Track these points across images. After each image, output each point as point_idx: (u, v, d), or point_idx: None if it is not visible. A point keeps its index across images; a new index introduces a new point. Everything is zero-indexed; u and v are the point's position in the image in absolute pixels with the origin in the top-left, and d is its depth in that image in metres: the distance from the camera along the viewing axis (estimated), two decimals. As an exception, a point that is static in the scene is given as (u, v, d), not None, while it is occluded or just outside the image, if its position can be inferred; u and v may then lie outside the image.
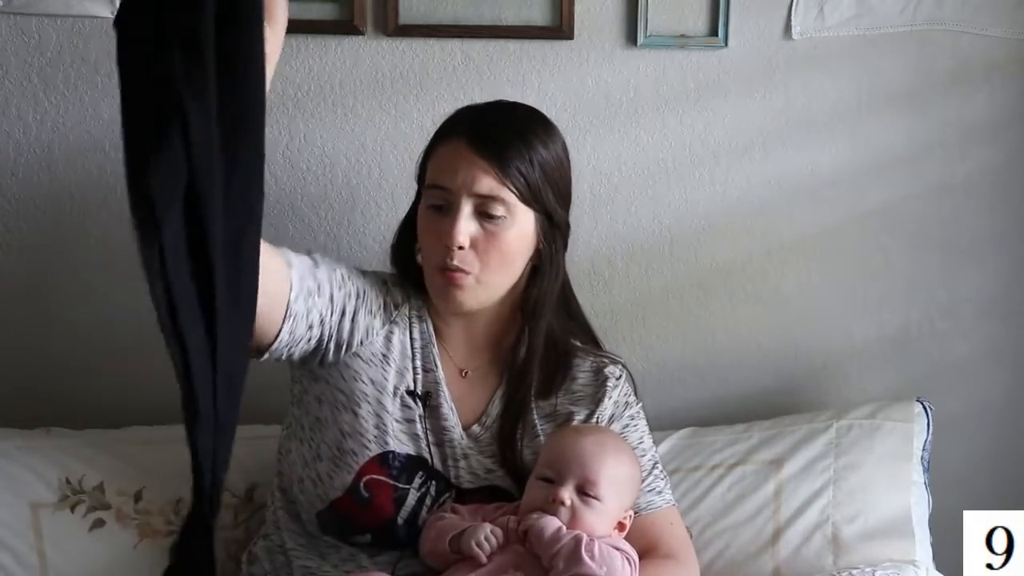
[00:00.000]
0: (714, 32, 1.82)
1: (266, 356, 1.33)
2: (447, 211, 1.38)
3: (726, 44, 1.83)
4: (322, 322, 1.36)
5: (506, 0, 1.79)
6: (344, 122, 1.82)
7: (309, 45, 1.79)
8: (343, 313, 1.39)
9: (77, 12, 1.75)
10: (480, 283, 1.39)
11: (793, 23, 1.83)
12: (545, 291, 1.46)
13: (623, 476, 1.36)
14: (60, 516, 1.60)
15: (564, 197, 1.46)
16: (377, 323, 1.43)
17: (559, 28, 1.80)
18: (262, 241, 1.14)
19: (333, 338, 1.39)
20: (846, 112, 1.87)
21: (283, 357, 1.36)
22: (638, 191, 1.87)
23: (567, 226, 1.47)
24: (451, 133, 1.41)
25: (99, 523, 1.61)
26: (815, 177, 1.88)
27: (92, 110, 1.78)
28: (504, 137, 1.39)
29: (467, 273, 1.38)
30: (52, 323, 1.82)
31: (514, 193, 1.38)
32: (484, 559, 1.29)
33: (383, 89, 1.81)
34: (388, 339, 1.43)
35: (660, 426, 1.76)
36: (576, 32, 1.80)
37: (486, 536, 1.30)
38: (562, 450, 1.37)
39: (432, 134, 1.46)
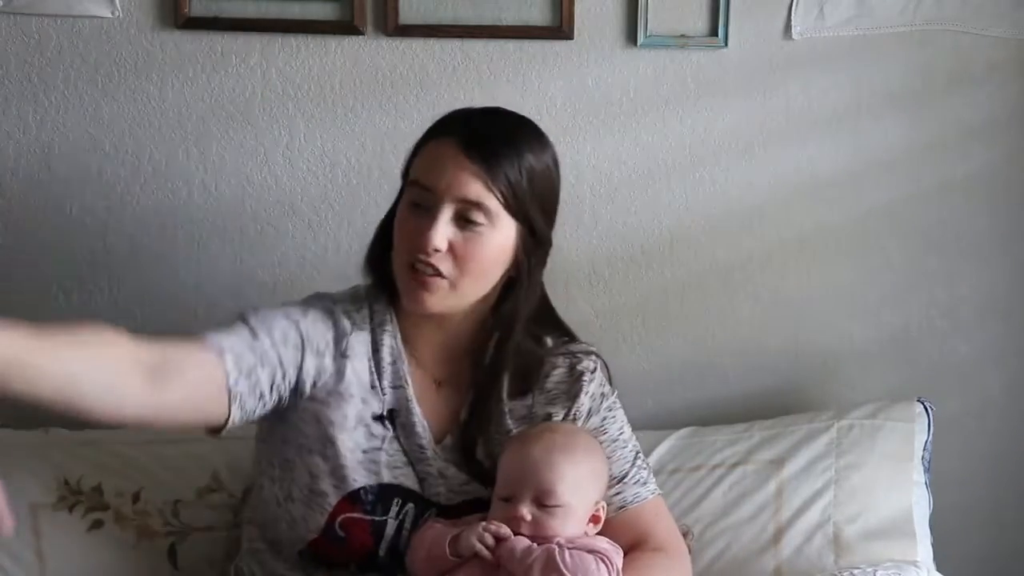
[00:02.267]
0: (714, 32, 1.82)
1: (223, 434, 1.33)
2: (426, 211, 1.34)
3: (726, 44, 1.83)
4: (272, 387, 1.34)
5: (506, 0, 1.79)
6: (344, 122, 1.82)
7: (309, 45, 1.79)
8: (292, 367, 1.36)
9: (77, 12, 1.75)
10: (454, 289, 1.36)
11: (793, 23, 1.83)
12: (519, 306, 1.41)
13: (581, 475, 1.33)
14: (59, 517, 1.59)
15: (549, 212, 1.43)
16: (327, 362, 1.39)
17: (559, 28, 1.80)
18: (186, 345, 1.25)
19: (286, 394, 1.36)
20: (846, 112, 1.87)
21: (242, 425, 1.34)
22: (638, 191, 1.86)
23: (549, 243, 1.43)
24: (442, 132, 1.39)
25: (97, 524, 1.60)
26: (815, 177, 1.88)
27: (92, 110, 1.78)
28: (495, 142, 1.36)
29: (442, 277, 1.34)
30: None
31: (499, 201, 1.34)
32: (488, 554, 1.27)
33: (383, 89, 1.81)
34: (341, 374, 1.39)
35: (660, 426, 1.77)
36: (576, 32, 1.80)
37: (487, 530, 1.28)
38: (512, 465, 1.33)
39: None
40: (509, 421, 1.43)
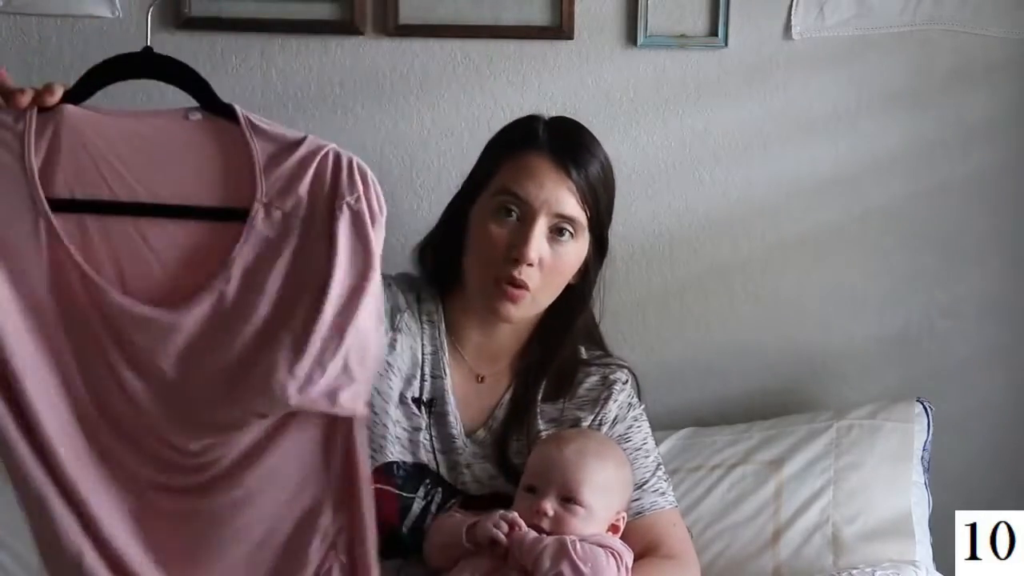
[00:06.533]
0: (714, 32, 1.82)
1: None
2: (519, 223, 1.37)
3: (726, 44, 1.83)
4: None
5: (506, 0, 1.79)
6: (344, 122, 1.82)
7: (309, 45, 1.79)
8: None
9: (77, 12, 1.75)
10: (534, 300, 1.40)
11: (793, 23, 1.83)
12: (576, 314, 1.47)
13: (607, 481, 1.35)
14: (60, 516, 1.60)
15: (611, 221, 1.48)
16: (382, 329, 1.40)
17: (559, 28, 1.80)
18: None
19: None
20: (846, 112, 1.87)
21: None
22: (638, 191, 1.86)
23: (607, 251, 1.48)
24: (530, 143, 1.40)
25: (99, 523, 1.60)
26: (815, 177, 1.88)
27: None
28: (586, 158, 1.40)
29: (527, 290, 1.38)
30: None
31: (587, 216, 1.39)
32: (503, 540, 1.28)
33: (383, 89, 1.81)
34: (392, 347, 1.42)
35: (660, 426, 1.76)
36: (576, 32, 1.80)
37: (503, 518, 1.30)
38: (544, 459, 1.36)
39: (496, 136, 1.46)
40: (540, 422, 1.46)
